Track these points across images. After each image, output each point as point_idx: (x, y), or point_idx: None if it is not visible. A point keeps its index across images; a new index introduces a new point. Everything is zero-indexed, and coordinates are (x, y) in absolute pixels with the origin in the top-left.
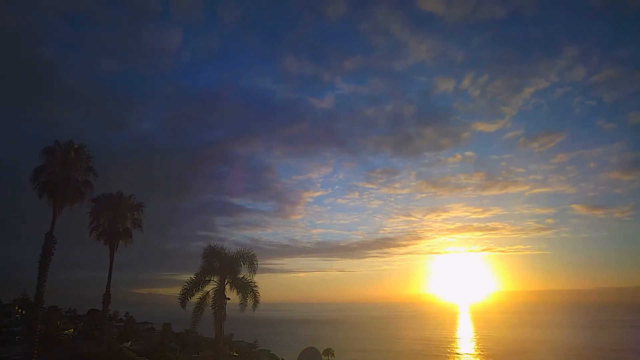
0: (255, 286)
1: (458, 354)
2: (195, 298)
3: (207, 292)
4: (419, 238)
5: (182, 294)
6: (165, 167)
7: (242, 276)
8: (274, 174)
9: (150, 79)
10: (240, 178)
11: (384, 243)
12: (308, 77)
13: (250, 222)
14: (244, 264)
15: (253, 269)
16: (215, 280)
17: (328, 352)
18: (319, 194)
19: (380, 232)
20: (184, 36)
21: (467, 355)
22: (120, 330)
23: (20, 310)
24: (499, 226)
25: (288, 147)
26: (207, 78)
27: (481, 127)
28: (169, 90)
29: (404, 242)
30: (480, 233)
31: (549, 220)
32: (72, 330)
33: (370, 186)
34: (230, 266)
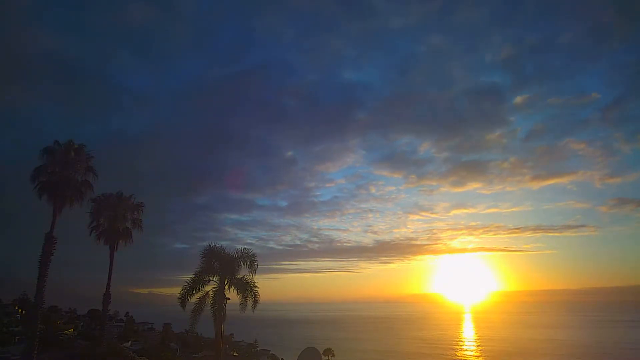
0: (255, 286)
1: (460, 354)
2: (195, 298)
3: (207, 292)
4: (428, 238)
5: (182, 294)
6: (167, 160)
7: (242, 276)
8: (286, 167)
9: (159, 66)
10: (247, 172)
11: (394, 245)
12: (330, 53)
13: (261, 221)
14: (244, 264)
15: (253, 269)
16: (215, 280)
17: (328, 352)
18: (333, 188)
19: (393, 231)
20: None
21: (469, 356)
22: (120, 330)
23: (20, 310)
24: (507, 224)
25: (303, 136)
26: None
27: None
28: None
29: (413, 243)
30: (488, 231)
31: (559, 218)
32: (72, 330)
33: (385, 176)
34: (230, 266)
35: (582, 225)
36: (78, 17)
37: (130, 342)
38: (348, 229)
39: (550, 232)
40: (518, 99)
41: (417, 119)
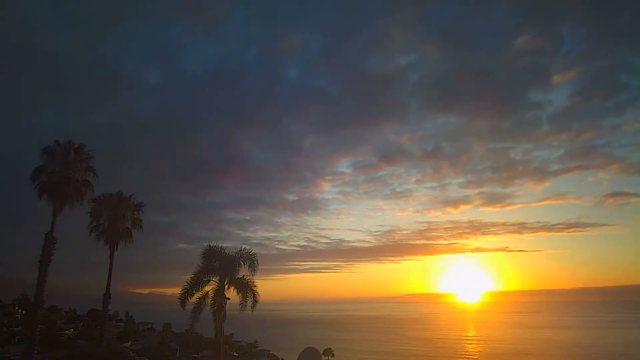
0: (255, 286)
1: (460, 354)
2: (195, 298)
3: (207, 292)
4: (437, 237)
5: (182, 294)
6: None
7: (242, 276)
8: (296, 161)
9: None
10: (255, 168)
11: (398, 244)
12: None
13: (266, 220)
14: (244, 264)
15: (253, 269)
16: (215, 280)
17: (328, 352)
18: (339, 188)
19: (397, 230)
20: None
21: (469, 356)
22: (120, 330)
23: (20, 310)
24: (516, 222)
25: (318, 126)
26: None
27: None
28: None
29: (420, 242)
30: (494, 230)
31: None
32: (72, 330)
33: (394, 172)
34: (230, 266)
35: (591, 224)
36: (84, 9)
37: (130, 342)
38: (353, 228)
39: (561, 231)
40: (556, 78)
41: (435, 106)
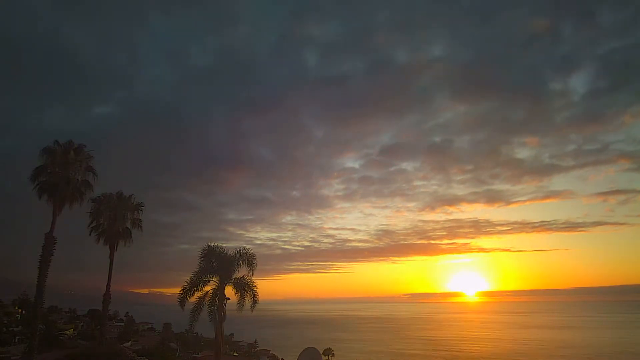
0: (254, 286)
1: (461, 354)
2: (194, 298)
3: (207, 292)
4: (439, 237)
5: (182, 294)
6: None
7: (241, 276)
8: (298, 160)
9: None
10: (260, 165)
11: (401, 246)
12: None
13: (269, 220)
14: (243, 264)
15: (252, 269)
16: (214, 280)
17: (328, 352)
18: (344, 185)
19: (404, 231)
20: None
21: (472, 356)
22: (120, 330)
23: (20, 310)
24: (523, 221)
25: (319, 124)
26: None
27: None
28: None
29: (422, 242)
30: (502, 230)
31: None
32: (72, 330)
33: (403, 168)
34: (229, 266)
35: (594, 223)
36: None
37: (130, 342)
38: (356, 228)
39: (564, 231)
40: (575, 67)
41: (446, 100)
